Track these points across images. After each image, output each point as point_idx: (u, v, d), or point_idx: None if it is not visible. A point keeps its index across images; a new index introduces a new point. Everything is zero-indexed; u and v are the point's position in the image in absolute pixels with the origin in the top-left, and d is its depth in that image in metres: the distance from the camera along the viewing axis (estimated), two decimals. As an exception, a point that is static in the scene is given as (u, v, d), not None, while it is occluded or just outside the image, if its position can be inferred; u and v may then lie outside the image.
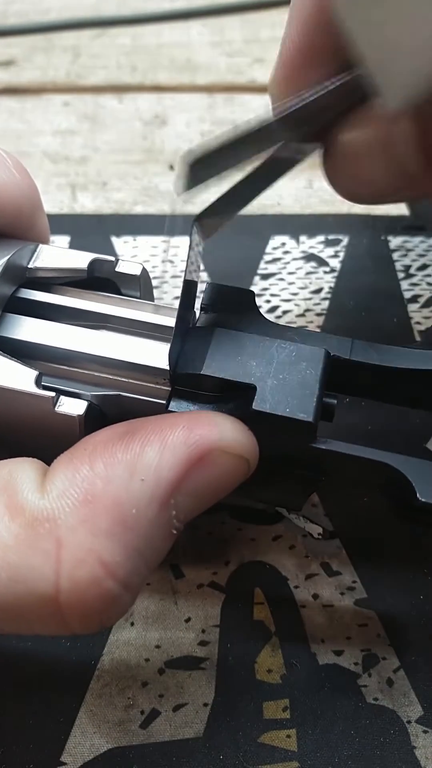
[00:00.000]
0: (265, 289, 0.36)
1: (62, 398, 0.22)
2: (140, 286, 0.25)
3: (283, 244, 0.38)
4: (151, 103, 0.48)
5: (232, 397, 0.22)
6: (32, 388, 0.22)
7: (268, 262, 0.37)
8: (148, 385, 0.23)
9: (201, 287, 0.26)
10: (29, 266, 0.24)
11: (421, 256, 0.37)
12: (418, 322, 0.35)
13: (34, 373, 0.22)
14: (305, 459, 0.23)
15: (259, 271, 0.37)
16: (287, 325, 0.24)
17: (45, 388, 0.22)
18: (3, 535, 0.18)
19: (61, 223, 0.39)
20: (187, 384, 0.22)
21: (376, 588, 0.26)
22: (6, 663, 0.25)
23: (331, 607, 0.26)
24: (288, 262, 0.37)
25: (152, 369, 0.23)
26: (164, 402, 0.23)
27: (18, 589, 0.17)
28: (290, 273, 0.37)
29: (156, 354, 0.23)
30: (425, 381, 0.24)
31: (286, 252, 0.38)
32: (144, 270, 0.25)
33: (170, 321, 0.23)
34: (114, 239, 0.39)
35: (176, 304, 0.23)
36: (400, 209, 0.39)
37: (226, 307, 0.24)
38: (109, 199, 0.41)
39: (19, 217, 0.25)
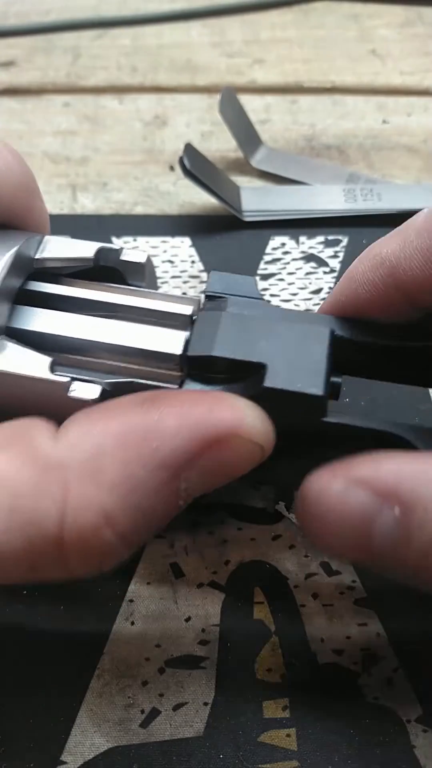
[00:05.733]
0: (265, 289, 0.36)
1: (75, 383, 0.22)
2: (145, 275, 0.26)
3: (283, 244, 0.38)
4: (151, 104, 0.48)
5: (242, 378, 0.23)
6: (46, 374, 0.22)
7: (268, 263, 0.37)
8: (160, 371, 0.23)
9: (204, 276, 0.26)
10: (36, 257, 0.24)
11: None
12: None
13: (47, 360, 0.22)
14: (315, 435, 0.23)
15: (259, 271, 0.37)
16: (289, 309, 0.25)
17: (58, 375, 0.22)
18: (17, 480, 0.18)
19: (62, 224, 0.39)
20: (198, 367, 0.23)
21: (376, 587, 0.26)
22: (6, 662, 0.25)
23: (331, 607, 0.26)
24: (288, 263, 0.37)
25: (163, 355, 0.23)
26: (177, 386, 0.23)
27: (29, 532, 0.18)
28: (290, 273, 0.37)
29: (166, 340, 0.23)
30: (423, 357, 0.24)
31: (286, 252, 0.38)
32: (149, 259, 0.26)
33: (177, 308, 0.24)
34: (114, 239, 0.39)
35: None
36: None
37: (230, 293, 0.25)
38: (110, 199, 0.41)
39: (15, 202, 0.25)
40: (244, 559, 0.27)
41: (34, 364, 0.22)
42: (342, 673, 0.24)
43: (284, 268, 0.37)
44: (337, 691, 0.24)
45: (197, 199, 0.41)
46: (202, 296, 0.25)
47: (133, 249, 0.26)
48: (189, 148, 0.38)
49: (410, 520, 0.18)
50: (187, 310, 0.24)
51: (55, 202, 0.41)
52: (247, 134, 0.44)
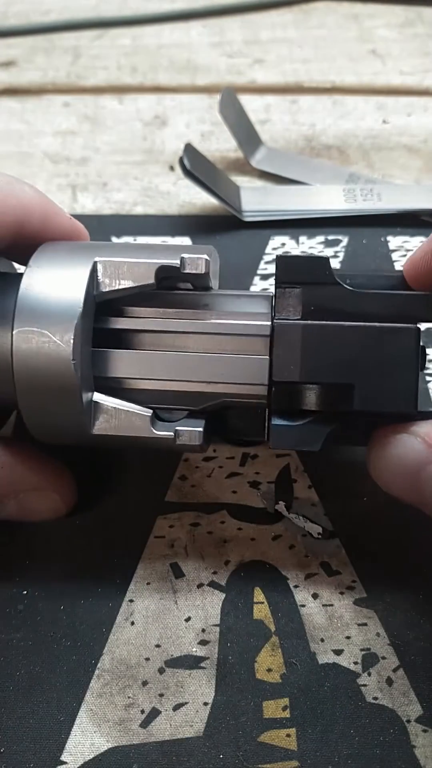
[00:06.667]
0: (265, 289, 0.36)
1: (180, 431, 0.24)
2: (210, 278, 0.25)
3: (283, 244, 0.38)
4: (151, 104, 0.48)
5: (331, 398, 0.23)
6: (150, 433, 0.24)
7: (268, 263, 0.37)
8: (248, 396, 0.24)
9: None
10: (95, 292, 0.24)
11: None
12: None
13: (147, 415, 0.24)
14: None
15: (259, 272, 0.37)
16: (367, 291, 0.24)
17: (158, 418, 0.24)
18: None
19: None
20: (285, 388, 0.23)
21: (376, 587, 0.26)
22: (6, 662, 0.25)
23: (330, 607, 0.26)
24: (288, 263, 0.37)
25: (249, 386, 0.24)
26: (264, 402, 0.24)
27: None
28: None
29: (250, 369, 0.24)
30: None
31: (286, 252, 0.38)
32: (207, 261, 0.24)
33: (253, 324, 0.24)
34: (114, 240, 0.39)
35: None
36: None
37: (303, 279, 0.24)
38: (110, 199, 0.41)
39: (27, 223, 0.25)
40: (244, 559, 0.27)
41: (137, 422, 0.24)
42: (342, 673, 0.24)
43: (284, 268, 0.37)
44: (337, 691, 0.24)
45: (197, 199, 0.41)
46: (271, 289, 0.24)
47: (191, 257, 0.24)
48: (189, 148, 0.38)
49: None
50: (264, 323, 0.24)
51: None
52: (247, 134, 0.44)
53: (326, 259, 0.24)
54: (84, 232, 0.28)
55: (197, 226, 0.40)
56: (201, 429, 0.24)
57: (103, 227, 0.39)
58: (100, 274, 0.24)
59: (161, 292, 0.24)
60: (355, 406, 0.23)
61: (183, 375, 0.24)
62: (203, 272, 0.24)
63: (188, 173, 0.38)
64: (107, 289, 0.24)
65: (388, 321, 0.23)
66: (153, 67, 0.52)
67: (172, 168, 0.43)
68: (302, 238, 0.39)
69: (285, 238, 0.39)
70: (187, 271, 0.24)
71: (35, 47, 0.53)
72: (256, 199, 0.41)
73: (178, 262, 0.24)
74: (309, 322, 0.23)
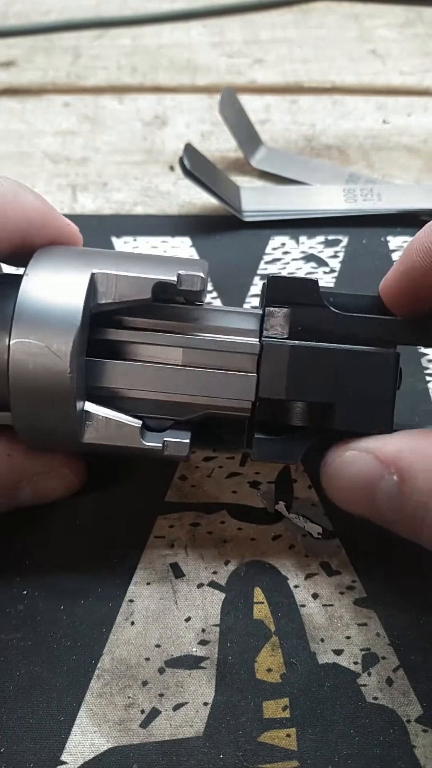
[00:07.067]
0: (255, 307, 0.36)
1: (168, 442, 0.24)
2: (203, 294, 0.25)
3: (283, 244, 0.38)
4: (151, 104, 0.48)
5: (314, 415, 0.25)
6: (139, 444, 0.24)
7: (268, 263, 0.37)
8: (234, 410, 0.25)
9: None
10: (92, 303, 0.24)
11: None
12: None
13: (137, 426, 0.24)
14: None
15: (259, 272, 0.37)
16: (351, 315, 0.25)
17: (148, 428, 0.25)
18: None
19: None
20: (269, 405, 0.25)
21: (376, 587, 0.26)
22: (6, 662, 0.25)
23: (330, 607, 0.26)
24: (288, 263, 0.37)
25: (236, 402, 0.25)
26: (248, 415, 0.25)
27: None
28: (290, 273, 0.37)
29: (238, 387, 0.25)
30: None
31: (286, 252, 0.38)
32: (203, 279, 0.24)
33: (243, 342, 0.25)
34: (114, 240, 0.39)
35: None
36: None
37: (292, 300, 0.25)
38: (110, 199, 0.41)
39: (30, 230, 0.25)
40: (244, 559, 0.27)
41: (126, 433, 0.24)
42: (342, 673, 0.24)
43: (284, 268, 0.37)
44: (337, 691, 0.24)
45: (197, 199, 0.41)
46: (257, 306, 0.25)
47: (188, 275, 0.24)
48: (189, 148, 0.38)
49: (406, 485, 0.22)
50: (253, 341, 0.25)
51: (55, 202, 0.41)
52: (247, 134, 0.44)
53: (315, 282, 0.25)
54: (79, 237, 0.28)
55: (197, 226, 0.40)
56: (188, 441, 0.25)
57: (103, 227, 0.39)
58: (97, 286, 0.24)
59: (155, 305, 0.25)
60: (336, 425, 0.24)
61: (172, 388, 0.25)
62: (199, 290, 0.24)
63: (188, 173, 0.38)
64: (104, 302, 0.24)
65: (370, 343, 0.25)
66: (153, 67, 0.52)
67: (172, 168, 0.43)
68: (302, 238, 0.39)
69: (285, 238, 0.39)
70: (184, 288, 0.24)
71: (35, 47, 0.53)
72: (256, 199, 0.41)
73: (175, 278, 0.24)
74: (296, 342, 0.24)
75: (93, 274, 0.24)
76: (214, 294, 0.36)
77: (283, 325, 0.25)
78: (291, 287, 0.25)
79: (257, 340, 0.25)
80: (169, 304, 0.25)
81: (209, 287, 0.35)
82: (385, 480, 0.22)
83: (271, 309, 0.25)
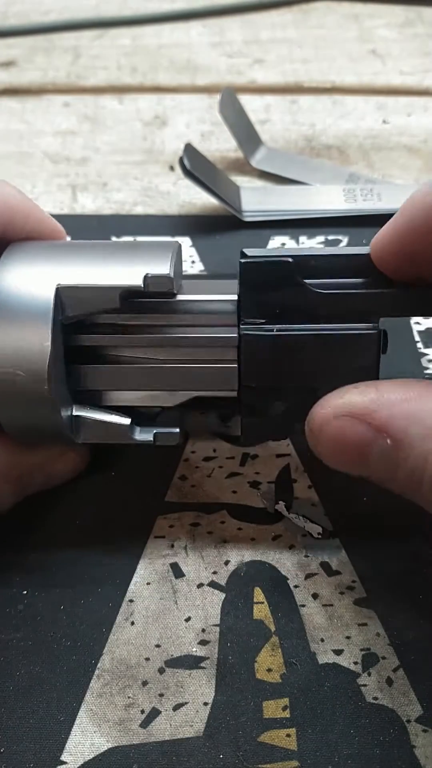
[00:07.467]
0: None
1: (158, 433, 0.25)
2: (175, 287, 0.25)
3: (283, 244, 0.38)
4: (151, 104, 0.48)
5: (298, 399, 0.24)
6: (131, 439, 0.25)
7: (268, 263, 0.37)
8: (219, 397, 0.25)
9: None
10: (61, 316, 0.24)
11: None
12: (417, 322, 0.35)
13: (126, 424, 0.25)
14: None
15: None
16: (331, 292, 0.24)
17: (138, 418, 0.25)
18: None
19: (62, 224, 0.39)
20: (253, 393, 0.25)
21: (376, 587, 0.26)
22: (6, 662, 0.25)
23: (330, 607, 0.26)
24: (288, 263, 0.37)
25: (220, 397, 0.25)
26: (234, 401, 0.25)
27: None
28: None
29: (219, 380, 0.25)
30: None
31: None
32: (171, 279, 0.24)
33: (221, 334, 0.25)
34: (114, 240, 0.39)
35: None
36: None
37: (268, 283, 0.24)
38: (110, 199, 0.41)
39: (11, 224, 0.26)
40: (244, 559, 0.27)
41: (118, 431, 0.25)
42: (342, 673, 0.24)
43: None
44: (337, 691, 0.24)
45: (197, 199, 0.41)
46: (235, 292, 0.25)
47: (154, 276, 0.24)
48: (189, 148, 0.38)
49: (401, 450, 0.21)
50: (231, 334, 0.25)
51: (55, 202, 0.41)
52: (247, 134, 0.44)
53: (290, 263, 0.24)
54: (62, 231, 0.28)
55: (197, 226, 0.40)
56: (177, 430, 0.25)
57: (103, 227, 0.39)
58: (63, 300, 0.24)
59: (129, 301, 0.25)
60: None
61: (156, 385, 0.25)
62: (167, 290, 0.24)
63: (188, 173, 0.38)
64: (72, 314, 0.24)
65: (352, 321, 0.24)
66: (153, 67, 0.52)
67: (172, 168, 0.43)
68: (302, 238, 0.39)
69: (285, 238, 0.39)
70: (151, 290, 0.24)
71: (35, 47, 0.53)
72: (256, 199, 0.41)
73: (141, 284, 0.24)
74: (274, 329, 0.24)
75: (58, 289, 0.24)
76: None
77: (260, 310, 0.24)
78: (265, 270, 0.24)
79: (235, 330, 0.24)
80: (143, 299, 0.25)
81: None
82: (378, 444, 0.22)
83: (247, 294, 0.24)
